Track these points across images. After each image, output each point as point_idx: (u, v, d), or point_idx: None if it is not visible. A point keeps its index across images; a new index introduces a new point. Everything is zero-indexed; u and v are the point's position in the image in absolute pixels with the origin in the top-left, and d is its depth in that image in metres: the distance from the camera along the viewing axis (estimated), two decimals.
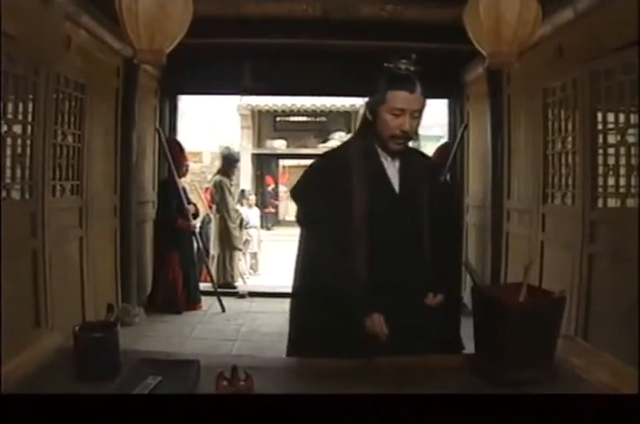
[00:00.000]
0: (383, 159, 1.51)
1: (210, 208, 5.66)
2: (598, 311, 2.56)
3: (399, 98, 1.43)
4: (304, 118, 11.49)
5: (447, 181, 1.77)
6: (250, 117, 11.31)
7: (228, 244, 5.38)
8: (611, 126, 2.60)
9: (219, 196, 5.37)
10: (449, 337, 1.49)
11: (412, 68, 1.47)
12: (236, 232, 5.41)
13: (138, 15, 1.96)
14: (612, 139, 2.57)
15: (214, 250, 5.41)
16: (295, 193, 1.58)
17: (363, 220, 1.42)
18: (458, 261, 1.55)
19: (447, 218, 1.56)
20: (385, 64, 1.47)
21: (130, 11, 1.97)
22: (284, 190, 13.35)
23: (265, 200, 11.85)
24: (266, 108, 10.93)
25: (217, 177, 5.49)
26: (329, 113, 11.17)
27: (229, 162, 5.50)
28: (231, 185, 5.49)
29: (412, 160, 1.54)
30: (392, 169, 1.51)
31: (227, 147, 6.15)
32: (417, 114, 1.45)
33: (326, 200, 1.45)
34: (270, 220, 11.75)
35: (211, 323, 4.18)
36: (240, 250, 5.71)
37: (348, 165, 1.48)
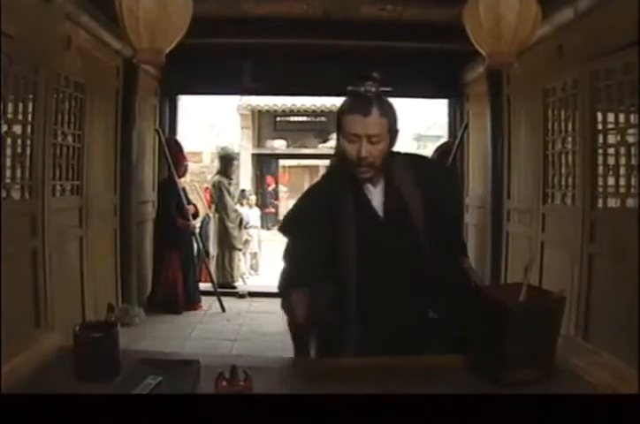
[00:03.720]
0: (365, 185, 1.40)
1: (210, 208, 5.67)
2: (598, 311, 2.56)
3: (352, 122, 1.31)
4: (304, 118, 11.48)
5: (447, 177, 1.63)
6: (250, 117, 11.30)
7: (227, 244, 5.39)
8: (611, 126, 2.60)
9: (217, 196, 5.38)
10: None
11: (372, 89, 1.30)
12: (235, 232, 5.42)
13: (139, 15, 1.97)
14: (612, 139, 2.57)
15: (213, 250, 5.41)
16: (283, 227, 1.52)
17: (349, 250, 1.35)
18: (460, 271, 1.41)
19: (447, 223, 1.43)
20: (348, 88, 1.34)
21: (131, 12, 1.98)
22: (284, 190, 13.35)
23: (265, 200, 11.84)
24: (266, 108, 10.92)
25: (216, 178, 5.50)
26: (329, 113, 11.14)
27: (225, 162, 5.51)
28: (230, 184, 5.48)
29: (397, 174, 1.41)
30: (376, 192, 1.40)
31: (223, 148, 6.17)
32: (376, 139, 1.30)
33: (312, 232, 1.39)
34: (270, 220, 11.74)
35: (211, 323, 4.18)
36: (240, 250, 5.71)
37: (333, 196, 1.41)
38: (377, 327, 1.36)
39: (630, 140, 2.44)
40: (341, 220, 1.37)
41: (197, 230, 4.93)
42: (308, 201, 1.48)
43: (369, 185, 1.40)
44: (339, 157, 1.41)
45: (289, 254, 1.47)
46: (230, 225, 5.36)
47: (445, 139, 5.58)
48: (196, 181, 7.98)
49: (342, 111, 1.35)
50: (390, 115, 1.33)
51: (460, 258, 1.44)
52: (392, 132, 1.35)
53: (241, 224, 5.61)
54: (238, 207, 5.99)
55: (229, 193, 5.39)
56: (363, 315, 1.36)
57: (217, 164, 6.14)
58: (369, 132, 1.29)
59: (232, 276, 5.33)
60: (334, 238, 1.36)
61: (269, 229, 11.19)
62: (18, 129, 2.53)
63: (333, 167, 1.48)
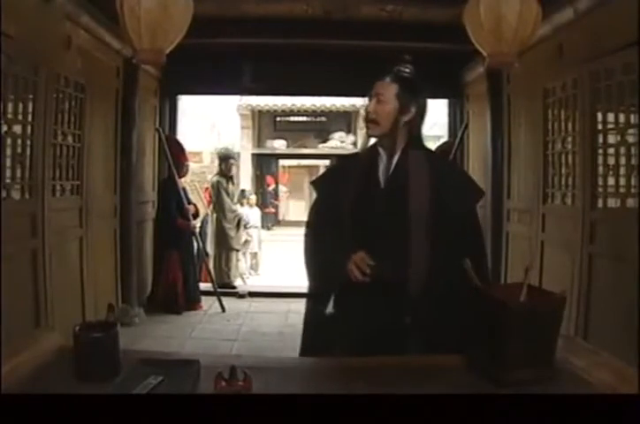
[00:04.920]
0: (380, 155, 1.55)
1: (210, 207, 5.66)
2: (598, 311, 2.56)
3: (372, 88, 1.55)
4: (304, 118, 11.49)
5: (463, 182, 1.68)
6: (250, 117, 11.30)
7: (224, 244, 5.38)
8: (611, 126, 2.60)
9: (215, 197, 5.39)
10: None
11: (406, 70, 1.54)
12: (232, 233, 5.40)
13: (140, 15, 1.97)
14: (612, 139, 2.57)
15: (211, 250, 5.41)
16: (313, 182, 1.76)
17: (347, 214, 1.51)
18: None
19: (457, 218, 1.48)
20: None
21: (132, 12, 1.97)
22: (284, 190, 13.35)
23: (265, 200, 11.84)
24: (266, 108, 10.92)
25: (215, 178, 5.50)
26: (329, 113, 11.16)
27: (222, 161, 5.52)
28: (228, 184, 5.46)
29: (414, 159, 1.52)
30: (387, 165, 1.54)
31: (221, 148, 6.16)
32: (382, 97, 1.51)
33: (330, 192, 1.61)
34: (270, 220, 11.74)
35: (211, 323, 4.18)
36: (237, 250, 5.69)
37: (355, 162, 1.61)
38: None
39: (630, 140, 2.44)
40: (350, 182, 1.55)
41: (197, 230, 4.93)
42: (338, 164, 1.80)
43: (384, 157, 1.55)
44: None
45: (313, 205, 1.73)
46: (227, 226, 5.35)
47: (445, 139, 5.58)
48: (196, 181, 7.98)
49: None
50: (402, 84, 1.52)
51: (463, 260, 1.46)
52: (402, 100, 1.51)
53: (239, 225, 5.59)
54: (238, 207, 5.98)
55: (227, 193, 5.37)
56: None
57: (217, 164, 6.16)
58: (378, 91, 1.52)
59: (228, 277, 5.31)
60: (344, 198, 1.53)
61: (269, 229, 11.20)
62: (18, 129, 2.53)
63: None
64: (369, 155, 1.58)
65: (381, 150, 1.56)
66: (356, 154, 1.75)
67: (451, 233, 1.44)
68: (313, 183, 1.75)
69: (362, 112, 1.66)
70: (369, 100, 1.54)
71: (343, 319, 1.45)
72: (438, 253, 1.43)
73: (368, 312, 1.42)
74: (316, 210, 1.68)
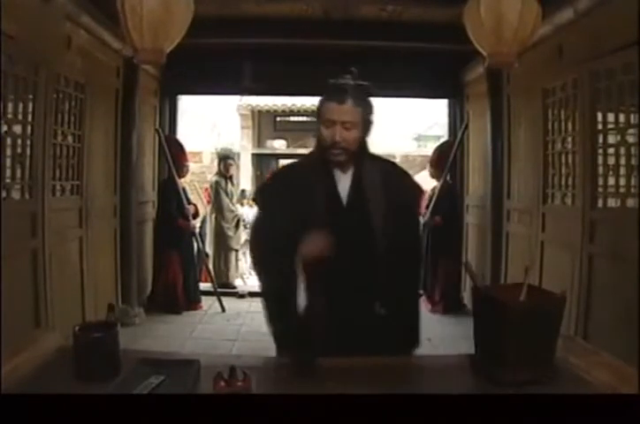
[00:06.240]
0: (335, 171, 1.49)
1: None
2: (598, 311, 2.56)
3: (328, 109, 1.45)
4: (304, 118, 11.46)
5: (411, 192, 1.68)
6: (250, 117, 11.28)
7: (223, 244, 5.38)
8: (611, 126, 2.60)
9: (214, 197, 5.39)
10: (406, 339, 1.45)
11: (350, 82, 1.46)
12: (230, 233, 5.40)
13: (142, 15, 1.97)
14: (612, 139, 2.57)
15: (210, 250, 5.42)
16: (256, 198, 1.67)
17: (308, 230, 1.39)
18: (412, 270, 1.53)
19: (404, 231, 1.49)
20: (330, 81, 1.51)
21: (134, 11, 1.97)
22: None
23: None
24: (266, 108, 10.90)
25: (214, 178, 5.51)
26: None
27: (220, 160, 5.52)
28: (227, 184, 5.45)
29: (366, 170, 1.49)
30: (343, 181, 1.49)
31: (220, 149, 6.16)
32: (350, 125, 1.42)
33: (279, 208, 1.48)
34: None
35: (211, 323, 4.18)
36: (236, 250, 5.68)
37: (304, 177, 1.50)
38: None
39: (630, 140, 2.44)
40: (307, 200, 1.45)
41: (197, 231, 4.93)
42: (282, 178, 1.63)
43: (338, 172, 1.49)
44: (317, 143, 1.52)
45: (259, 225, 1.58)
46: (225, 225, 5.35)
47: (445, 139, 5.58)
48: (196, 181, 7.97)
49: (322, 100, 1.50)
50: (364, 106, 1.45)
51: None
52: (366, 123, 1.46)
53: (238, 225, 5.58)
54: (238, 207, 5.98)
55: (226, 194, 5.37)
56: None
57: (216, 164, 6.15)
58: (343, 119, 1.42)
59: (227, 277, 5.31)
60: (299, 216, 1.42)
61: None
62: (18, 129, 2.53)
63: (311, 152, 1.58)
64: (323, 170, 1.48)
65: (337, 167, 1.48)
66: (300, 163, 1.64)
67: (395, 235, 1.44)
68: (255, 200, 1.64)
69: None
70: (327, 126, 1.43)
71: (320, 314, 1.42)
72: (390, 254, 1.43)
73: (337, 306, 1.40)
74: (262, 227, 1.54)
